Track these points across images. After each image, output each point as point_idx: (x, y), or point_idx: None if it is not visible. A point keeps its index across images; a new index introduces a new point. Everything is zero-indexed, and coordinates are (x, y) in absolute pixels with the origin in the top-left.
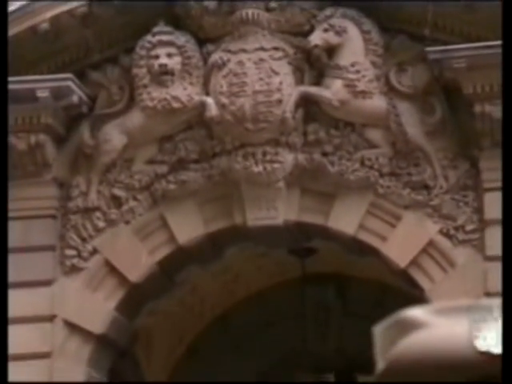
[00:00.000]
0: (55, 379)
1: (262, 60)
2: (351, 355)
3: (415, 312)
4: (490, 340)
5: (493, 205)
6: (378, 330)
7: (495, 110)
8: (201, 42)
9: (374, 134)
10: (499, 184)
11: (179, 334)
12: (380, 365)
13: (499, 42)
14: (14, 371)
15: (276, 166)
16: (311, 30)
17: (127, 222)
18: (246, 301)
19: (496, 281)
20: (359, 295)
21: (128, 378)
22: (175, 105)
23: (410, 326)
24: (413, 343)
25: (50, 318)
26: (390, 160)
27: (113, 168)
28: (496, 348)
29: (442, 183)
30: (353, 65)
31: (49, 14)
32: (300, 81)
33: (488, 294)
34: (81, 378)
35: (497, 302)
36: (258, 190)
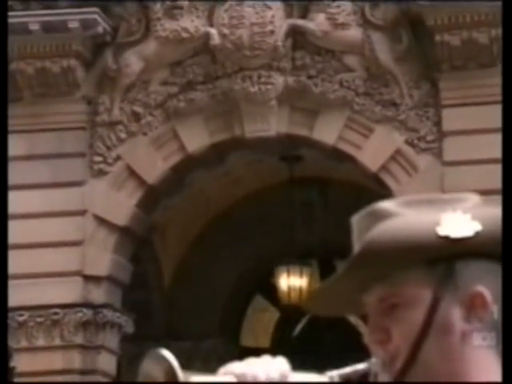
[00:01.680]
0: (86, 264)
1: None
2: (332, 245)
3: (386, 204)
4: (448, 226)
5: (450, 119)
6: (354, 220)
7: (453, 39)
8: None
9: (351, 60)
10: (455, 101)
11: (189, 227)
12: (355, 249)
13: None
14: (52, 257)
15: (269, 86)
16: None
17: (145, 134)
18: (243, 199)
19: (451, 182)
20: (339, 195)
21: (146, 262)
22: (184, 35)
23: (381, 216)
24: (383, 230)
25: (82, 213)
26: (364, 82)
27: (132, 88)
28: (453, 233)
29: (407, 101)
30: (334, 0)
31: None
32: (289, 14)
33: (444, 193)
34: (107, 263)
35: (455, 196)
36: (254, 107)
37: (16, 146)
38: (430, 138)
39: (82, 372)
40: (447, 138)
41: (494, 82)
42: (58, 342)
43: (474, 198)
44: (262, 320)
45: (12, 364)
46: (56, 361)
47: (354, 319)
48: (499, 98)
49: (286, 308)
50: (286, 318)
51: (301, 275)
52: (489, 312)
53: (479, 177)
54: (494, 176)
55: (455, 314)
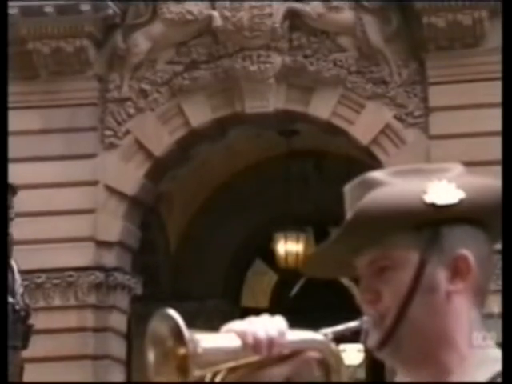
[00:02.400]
0: (99, 230)
1: None
2: (326, 213)
3: (376, 174)
4: (434, 194)
5: (435, 95)
6: (347, 189)
7: (439, 21)
8: None
9: (344, 41)
10: (441, 79)
11: (193, 196)
12: (348, 216)
13: None
14: (67, 224)
15: (268, 65)
16: None
17: (152, 110)
18: (244, 171)
19: (436, 154)
20: (332, 167)
21: (154, 229)
22: (189, 17)
23: (372, 185)
24: (373, 197)
25: (94, 183)
26: (356, 61)
27: (140, 67)
28: (439, 200)
29: (396, 79)
30: None
31: None
32: None
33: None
34: (118, 230)
35: (440, 166)
36: (254, 84)
37: (32, 120)
38: (417, 113)
39: (95, 330)
40: (433, 113)
41: (476, 61)
42: (72, 302)
43: (459, 168)
44: (261, 282)
45: (30, 322)
46: (71, 319)
47: (346, 281)
48: (482, 76)
49: (283, 271)
50: (284, 280)
51: (297, 241)
52: (472, 274)
53: (463, 149)
54: (476, 148)
55: (440, 275)
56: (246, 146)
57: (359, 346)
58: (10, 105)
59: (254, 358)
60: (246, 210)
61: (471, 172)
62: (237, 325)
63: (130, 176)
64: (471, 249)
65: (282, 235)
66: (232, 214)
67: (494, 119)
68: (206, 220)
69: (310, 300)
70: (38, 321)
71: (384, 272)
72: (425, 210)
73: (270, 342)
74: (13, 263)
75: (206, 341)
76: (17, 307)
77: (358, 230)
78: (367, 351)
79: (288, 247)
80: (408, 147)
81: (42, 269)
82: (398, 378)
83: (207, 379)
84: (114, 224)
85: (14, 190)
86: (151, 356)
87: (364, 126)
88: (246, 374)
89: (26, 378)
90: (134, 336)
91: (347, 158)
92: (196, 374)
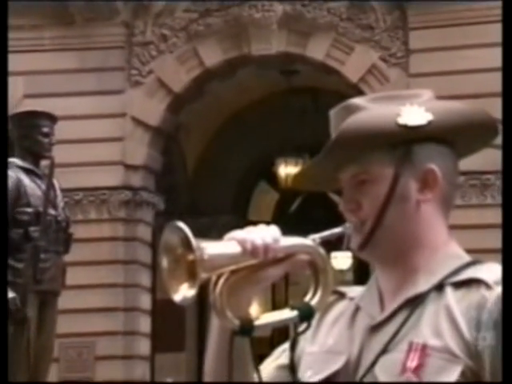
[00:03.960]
0: (127, 156)
1: None
2: (321, 141)
3: (356, 100)
4: (406, 117)
5: (415, 39)
6: (332, 113)
7: None
8: None
9: None
10: (420, 25)
11: (207, 126)
12: (333, 136)
13: None
14: (100, 150)
15: (271, 13)
16: None
17: (171, 52)
18: (251, 105)
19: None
20: (327, 101)
21: (174, 155)
22: None
23: (353, 109)
24: (354, 120)
25: (122, 115)
26: (347, 9)
27: (161, 15)
28: (410, 122)
29: (381, 25)
30: None
31: None
32: None
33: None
34: (143, 155)
35: (412, 92)
36: (259, 30)
37: (69, 61)
38: (399, 54)
39: (125, 239)
40: (413, 54)
41: (451, 8)
42: (105, 216)
43: (428, 94)
44: (265, 200)
45: (70, 231)
46: (104, 230)
47: (336, 198)
48: (456, 21)
49: (283, 191)
50: (284, 198)
51: (296, 165)
52: (438, 185)
53: (438, 86)
54: (450, 85)
55: (412, 187)
56: (252, 83)
57: (347, 254)
58: (50, 47)
59: (253, 262)
60: (252, 138)
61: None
62: (237, 233)
63: (153, 109)
64: (438, 164)
65: (283, 160)
66: (240, 141)
67: (466, 59)
68: (218, 147)
69: (306, 215)
70: (76, 231)
71: (363, 185)
72: (398, 130)
73: (266, 248)
74: (55, 182)
75: (211, 248)
76: (59, 218)
77: (340, 149)
78: (354, 257)
79: (288, 170)
80: (391, 84)
81: (80, 188)
82: (375, 275)
83: (212, 281)
84: (139, 150)
85: (54, 119)
86: (165, 262)
87: (353, 66)
88: (246, 275)
89: (66, 280)
90: (157, 244)
91: (339, 93)
92: (203, 276)
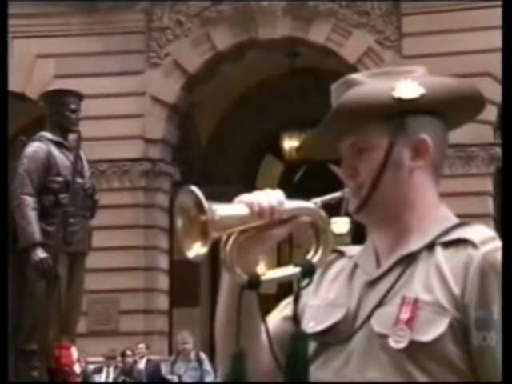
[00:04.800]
0: (146, 130)
1: None
2: (322, 117)
3: (355, 75)
4: (401, 90)
5: (407, 24)
6: (333, 87)
7: None
8: None
9: None
10: (411, 11)
11: (219, 104)
12: (332, 108)
13: None
14: (122, 126)
15: (276, 2)
16: None
17: (186, 36)
18: (258, 84)
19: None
20: (327, 81)
21: (189, 130)
22: None
23: (352, 84)
24: (352, 93)
25: (142, 94)
26: None
27: (178, 2)
28: (404, 95)
29: (377, 11)
30: None
31: None
32: None
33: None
34: (161, 130)
35: (406, 68)
36: (265, 17)
37: (94, 44)
38: (392, 38)
39: (145, 206)
40: (405, 38)
41: None
42: (127, 185)
43: (421, 70)
44: (271, 171)
45: (96, 198)
46: (126, 198)
47: (336, 169)
48: (445, 8)
49: (288, 163)
50: (289, 169)
51: (299, 139)
52: (429, 154)
53: (429, 67)
54: (439, 66)
55: (405, 155)
56: (259, 65)
57: (346, 219)
58: (77, 32)
59: (260, 222)
60: (259, 115)
61: (431, 73)
62: (245, 197)
63: (170, 88)
64: (430, 134)
65: (287, 135)
66: (248, 118)
67: (454, 42)
68: (229, 123)
69: (309, 184)
70: (101, 199)
71: (361, 153)
72: (393, 103)
73: (272, 209)
74: (82, 154)
75: (222, 210)
76: (86, 186)
77: (340, 119)
78: (352, 222)
79: (292, 144)
80: (385, 65)
81: (104, 159)
82: (371, 236)
83: (223, 240)
84: (158, 126)
85: (81, 97)
86: (180, 222)
87: (351, 48)
88: (254, 235)
89: (93, 242)
90: (173, 209)
91: (338, 74)
92: (214, 235)
